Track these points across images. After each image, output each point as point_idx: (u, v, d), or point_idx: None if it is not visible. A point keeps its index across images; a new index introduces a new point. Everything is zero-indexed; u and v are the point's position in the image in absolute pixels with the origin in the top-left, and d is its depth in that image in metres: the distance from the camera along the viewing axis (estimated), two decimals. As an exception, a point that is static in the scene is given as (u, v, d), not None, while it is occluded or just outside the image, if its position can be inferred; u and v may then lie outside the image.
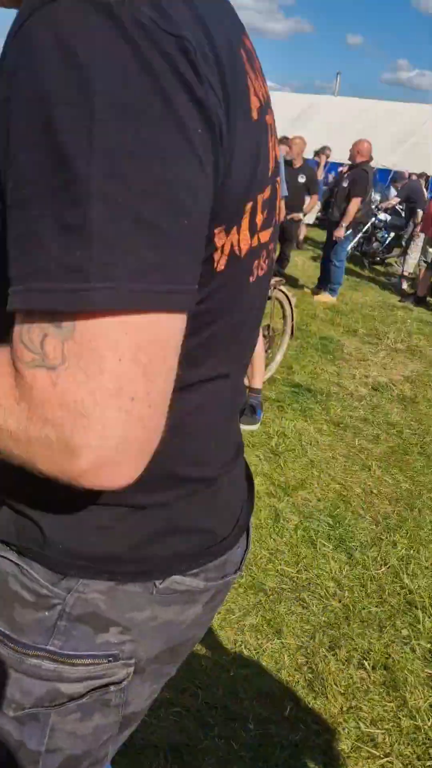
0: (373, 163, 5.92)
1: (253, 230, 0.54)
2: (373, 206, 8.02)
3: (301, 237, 8.69)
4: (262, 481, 2.58)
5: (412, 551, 2.26)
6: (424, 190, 8.53)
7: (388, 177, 12.24)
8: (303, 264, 7.72)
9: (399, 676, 1.70)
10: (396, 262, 8.28)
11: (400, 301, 6.57)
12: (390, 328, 5.30)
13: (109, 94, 0.38)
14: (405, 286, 7.40)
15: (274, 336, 3.59)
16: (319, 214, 10.39)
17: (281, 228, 5.89)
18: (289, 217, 5.82)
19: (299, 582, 2.02)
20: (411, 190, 7.84)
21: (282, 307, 3.56)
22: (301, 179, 5.92)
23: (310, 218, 9.22)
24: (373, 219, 8.00)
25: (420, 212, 7.29)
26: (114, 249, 0.39)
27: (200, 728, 1.48)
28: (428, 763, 1.48)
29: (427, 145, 14.96)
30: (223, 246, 0.51)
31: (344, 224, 5.53)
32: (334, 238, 5.73)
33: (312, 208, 6.89)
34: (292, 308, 3.55)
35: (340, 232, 5.58)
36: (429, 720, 1.59)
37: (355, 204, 5.43)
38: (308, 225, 9.23)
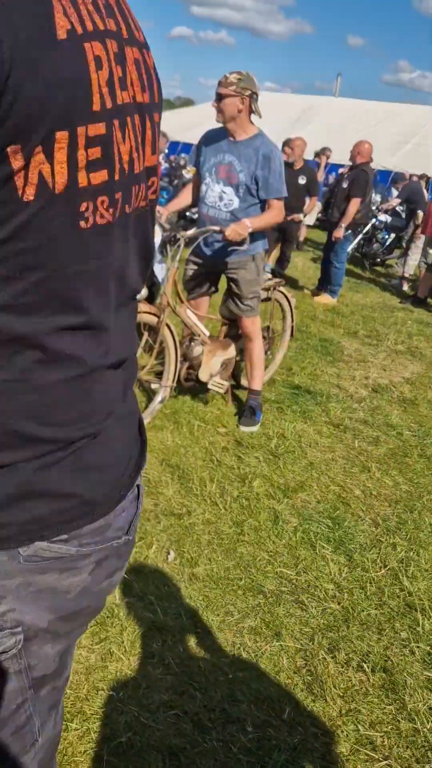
0: (373, 165, 5.92)
1: (73, 165, 0.52)
2: (374, 207, 8.02)
3: (302, 238, 8.69)
4: (261, 483, 2.58)
5: (411, 553, 2.26)
6: (425, 191, 8.52)
7: (388, 178, 12.24)
8: (303, 265, 7.72)
9: (398, 679, 1.70)
10: (396, 264, 8.28)
11: (400, 302, 6.56)
12: (390, 330, 5.30)
13: None
14: (406, 287, 7.39)
15: (273, 337, 3.59)
16: (320, 215, 10.40)
17: (282, 229, 5.89)
18: (289, 218, 5.82)
19: (298, 584, 2.02)
20: (411, 191, 7.84)
21: (281, 308, 3.56)
22: (302, 180, 5.92)
23: (310, 220, 9.22)
24: (374, 220, 8.00)
25: (420, 213, 7.28)
26: None
27: (198, 731, 1.47)
28: (427, 767, 1.48)
29: (428, 146, 14.95)
30: (25, 172, 0.49)
31: (343, 225, 5.53)
32: (333, 239, 5.73)
33: (312, 210, 6.89)
34: (291, 309, 3.55)
35: (339, 233, 5.58)
36: (428, 723, 1.58)
37: (354, 205, 5.43)
38: (308, 226, 9.23)
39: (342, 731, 1.53)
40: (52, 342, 0.56)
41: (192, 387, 3.11)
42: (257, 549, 2.17)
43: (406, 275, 7.48)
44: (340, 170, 8.95)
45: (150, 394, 3.12)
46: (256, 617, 1.85)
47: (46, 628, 0.63)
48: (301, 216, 6.10)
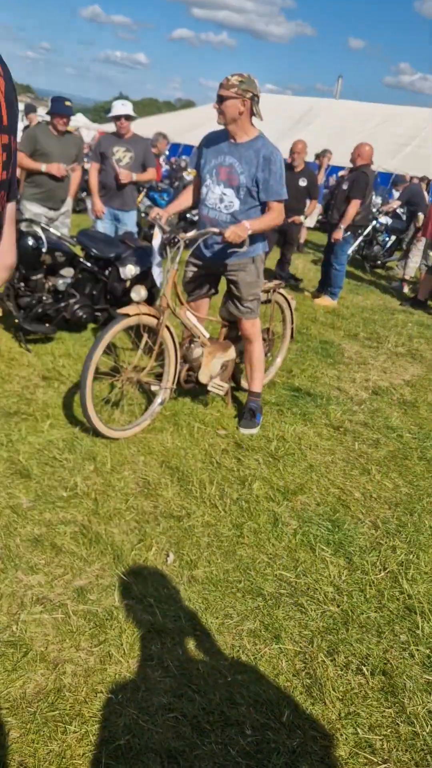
0: (374, 167, 5.93)
1: None
2: (374, 210, 8.02)
3: (302, 240, 8.70)
4: (261, 485, 2.57)
5: (411, 556, 2.26)
6: (425, 193, 8.53)
7: (389, 180, 12.25)
8: (303, 267, 7.72)
9: (397, 682, 1.70)
10: (397, 266, 8.28)
11: (401, 305, 6.56)
12: (390, 332, 5.30)
13: None
14: (406, 290, 7.39)
15: (273, 339, 3.59)
16: (320, 217, 10.41)
17: (282, 231, 5.90)
18: (290, 220, 5.82)
19: (298, 587, 2.02)
20: (412, 193, 7.84)
21: (282, 310, 3.56)
22: (302, 183, 5.93)
23: (311, 222, 9.23)
24: (374, 222, 8.00)
25: (421, 216, 7.29)
26: None
27: (197, 734, 1.47)
28: (426, 771, 1.47)
29: (429, 148, 14.97)
30: None
31: (342, 226, 5.54)
32: (332, 240, 5.74)
33: (312, 212, 6.90)
34: (291, 312, 3.55)
35: (339, 234, 5.59)
36: (427, 726, 1.58)
37: (354, 206, 5.44)
38: (309, 228, 9.24)
39: (341, 734, 1.53)
40: None
41: (192, 389, 3.11)
42: (257, 551, 2.16)
43: (407, 277, 7.49)
44: (340, 172, 8.97)
45: (150, 396, 3.12)
46: (256, 620, 1.85)
47: None
48: (301, 218, 6.11)
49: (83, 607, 1.80)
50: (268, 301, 3.38)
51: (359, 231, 6.74)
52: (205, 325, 3.12)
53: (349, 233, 5.69)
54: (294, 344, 4.41)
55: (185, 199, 3.05)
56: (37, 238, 3.51)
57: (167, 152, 12.83)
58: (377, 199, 9.15)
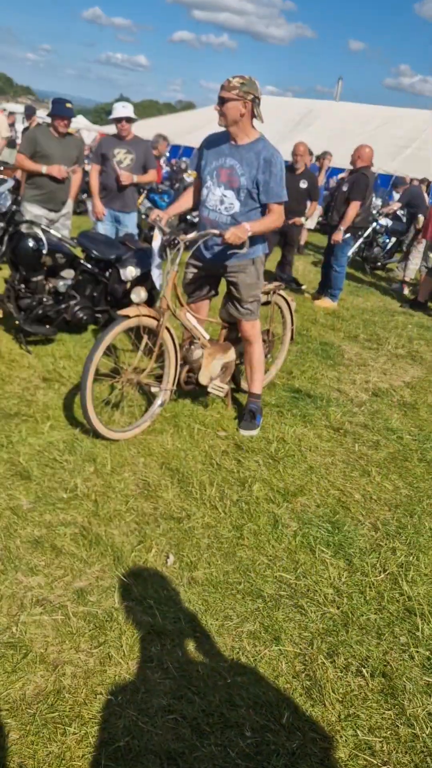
0: (374, 169, 5.94)
1: None
2: (374, 211, 8.03)
3: (302, 242, 8.71)
4: (261, 487, 2.58)
5: (411, 558, 2.26)
6: (425, 195, 8.54)
7: (389, 182, 12.26)
8: (304, 269, 7.73)
9: (397, 684, 1.69)
10: (397, 268, 8.29)
11: (401, 306, 6.57)
12: (390, 334, 5.30)
13: None
14: (406, 291, 7.40)
15: (273, 341, 3.59)
16: (321, 219, 10.42)
17: (283, 233, 5.90)
18: (290, 221, 5.83)
19: (297, 588, 2.01)
20: (412, 195, 7.86)
21: (282, 312, 3.56)
22: (303, 185, 5.94)
23: (311, 224, 9.24)
24: (374, 224, 8.01)
25: (421, 218, 7.30)
26: None
27: (197, 736, 1.47)
28: (426, 773, 1.47)
29: (429, 150, 14.99)
30: None
31: (342, 228, 5.55)
32: (332, 242, 5.75)
33: (313, 214, 6.91)
34: (291, 313, 3.55)
35: (338, 236, 5.60)
36: (427, 728, 1.58)
37: (353, 208, 5.44)
38: (309, 230, 9.25)
39: (341, 736, 1.53)
40: None
41: (192, 390, 3.12)
42: (257, 553, 2.16)
43: (407, 279, 7.49)
44: (340, 174, 8.98)
45: (150, 398, 3.12)
46: (255, 621, 1.85)
47: None
48: (302, 220, 6.12)
49: (83, 609, 1.80)
50: (268, 303, 3.38)
51: (359, 233, 6.75)
52: (205, 326, 3.12)
53: (348, 235, 5.70)
54: (294, 346, 4.41)
55: (185, 201, 3.06)
56: (37, 239, 3.52)
57: (167, 154, 12.86)
58: (377, 201, 9.17)
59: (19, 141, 8.13)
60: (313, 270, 7.72)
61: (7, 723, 1.44)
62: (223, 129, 2.73)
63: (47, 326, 3.69)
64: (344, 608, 1.95)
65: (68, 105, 4.06)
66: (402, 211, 8.14)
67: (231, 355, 3.14)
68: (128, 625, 1.76)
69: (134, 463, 2.63)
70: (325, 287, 6.07)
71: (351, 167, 5.77)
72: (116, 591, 1.89)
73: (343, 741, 1.52)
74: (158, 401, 2.93)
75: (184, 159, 12.50)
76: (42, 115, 11.36)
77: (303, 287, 6.52)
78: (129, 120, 4.35)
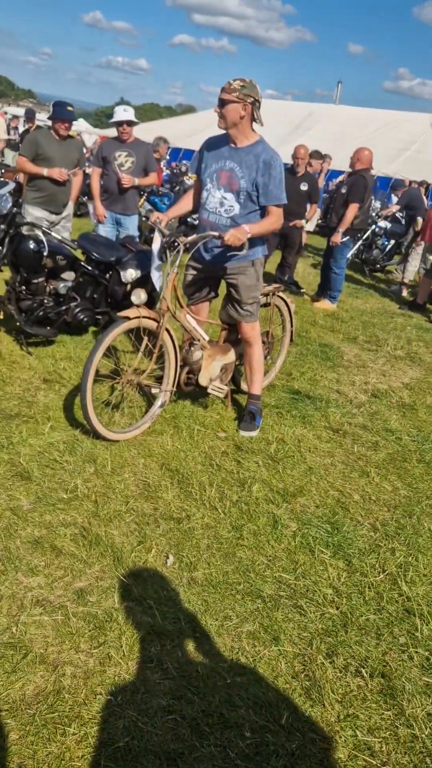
0: (373, 172, 5.96)
1: None
2: (374, 214, 8.06)
3: (302, 244, 8.72)
4: (261, 488, 2.58)
5: (410, 558, 2.26)
6: (424, 198, 8.56)
7: (388, 185, 12.30)
8: (303, 271, 7.75)
9: (396, 685, 1.70)
10: (396, 270, 8.31)
11: (399, 308, 6.58)
12: (389, 336, 5.31)
13: None
14: (405, 293, 7.41)
15: (273, 342, 3.60)
16: (320, 221, 10.45)
17: (283, 235, 5.92)
18: (291, 223, 5.85)
19: (297, 589, 2.02)
20: (411, 197, 7.88)
21: (281, 313, 3.57)
22: (304, 187, 5.96)
23: (310, 226, 9.26)
24: (373, 226, 8.04)
25: (420, 220, 7.32)
26: None
27: (196, 736, 1.47)
28: (425, 773, 1.47)
29: (428, 153, 15.03)
30: None
31: (341, 230, 5.56)
32: (331, 244, 5.76)
33: (313, 216, 6.93)
34: (291, 315, 3.56)
35: (337, 238, 5.61)
36: (426, 729, 1.58)
37: (352, 210, 5.46)
38: (309, 232, 9.26)
39: (340, 737, 1.53)
40: None
41: (192, 392, 3.12)
42: (256, 553, 2.17)
43: (406, 281, 7.51)
44: (339, 177, 9.01)
45: (150, 399, 3.13)
46: (255, 622, 1.85)
47: None
48: (303, 222, 6.13)
49: (83, 609, 1.80)
50: (267, 305, 3.39)
51: (358, 235, 6.77)
52: (205, 328, 3.13)
53: (348, 237, 5.71)
54: (293, 347, 4.42)
55: (185, 204, 3.07)
56: (38, 241, 3.53)
57: (168, 157, 12.89)
58: (376, 204, 9.19)
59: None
60: (312, 272, 7.74)
61: (6, 723, 1.45)
62: (222, 132, 2.74)
63: (48, 328, 3.70)
64: (343, 609, 1.95)
65: (69, 108, 4.08)
66: (401, 214, 8.17)
67: (231, 356, 3.15)
68: (128, 625, 1.76)
69: (134, 463, 2.63)
70: (325, 289, 6.08)
71: (350, 170, 5.80)
72: (116, 591, 1.89)
73: (342, 741, 1.52)
74: (158, 402, 2.94)
75: (184, 162, 12.53)
76: (42, 118, 11.39)
77: (302, 290, 6.53)
78: (130, 123, 4.37)
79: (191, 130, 17.62)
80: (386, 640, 1.85)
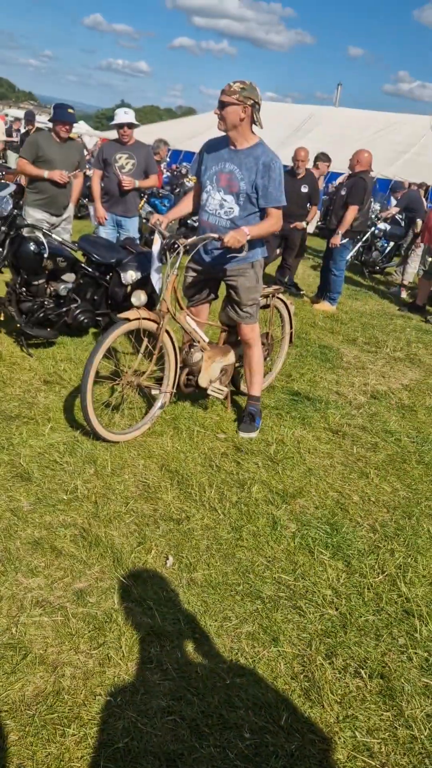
0: (373, 174, 5.97)
1: None
2: (373, 216, 8.07)
3: (302, 245, 8.73)
4: (260, 489, 2.58)
5: (409, 559, 2.26)
6: (424, 200, 8.58)
7: (387, 187, 12.32)
8: (303, 273, 7.76)
9: (396, 686, 1.70)
10: (395, 272, 8.32)
11: (399, 310, 6.59)
12: (389, 337, 5.32)
13: None
14: (404, 295, 7.42)
15: (273, 344, 3.60)
16: (320, 223, 10.46)
17: (284, 236, 5.93)
18: (292, 225, 5.86)
19: (296, 590, 2.02)
20: (410, 199, 7.90)
21: (281, 315, 3.58)
22: (304, 189, 5.97)
23: (310, 228, 9.27)
24: (373, 228, 8.05)
25: (419, 222, 7.33)
26: None
27: (195, 737, 1.47)
28: (424, 774, 1.47)
29: (427, 155, 15.07)
30: None
31: (340, 231, 5.57)
32: (330, 245, 5.77)
33: (313, 218, 6.94)
34: (291, 316, 3.57)
35: (336, 239, 5.62)
36: (425, 730, 1.58)
37: (351, 212, 5.47)
38: (309, 234, 9.28)
39: (339, 738, 1.53)
40: None
41: (192, 393, 3.13)
42: (255, 554, 2.17)
43: (405, 283, 7.52)
44: (339, 179, 9.02)
45: (150, 400, 3.13)
46: (254, 623, 1.85)
47: None
48: (303, 224, 6.14)
49: (83, 610, 1.80)
50: (267, 306, 3.40)
51: (358, 237, 6.78)
52: (204, 329, 3.14)
53: (347, 239, 5.72)
54: (293, 349, 4.43)
55: (185, 206, 3.08)
56: (39, 243, 3.54)
57: (168, 159, 12.92)
58: (376, 206, 9.21)
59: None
60: (312, 274, 7.75)
61: (6, 724, 1.45)
62: (222, 134, 2.75)
63: (48, 329, 3.71)
64: (343, 609, 1.96)
65: (70, 110, 4.09)
66: (400, 216, 8.18)
67: (230, 358, 3.16)
68: (127, 626, 1.77)
69: (134, 464, 2.63)
70: (324, 291, 6.09)
71: (349, 172, 5.81)
72: (116, 592, 1.89)
73: (341, 742, 1.52)
74: (158, 404, 2.94)
75: (184, 164, 12.56)
76: (43, 120, 11.41)
77: (302, 292, 6.54)
78: (131, 126, 4.38)
79: (191, 133, 17.66)
80: (385, 641, 1.85)
